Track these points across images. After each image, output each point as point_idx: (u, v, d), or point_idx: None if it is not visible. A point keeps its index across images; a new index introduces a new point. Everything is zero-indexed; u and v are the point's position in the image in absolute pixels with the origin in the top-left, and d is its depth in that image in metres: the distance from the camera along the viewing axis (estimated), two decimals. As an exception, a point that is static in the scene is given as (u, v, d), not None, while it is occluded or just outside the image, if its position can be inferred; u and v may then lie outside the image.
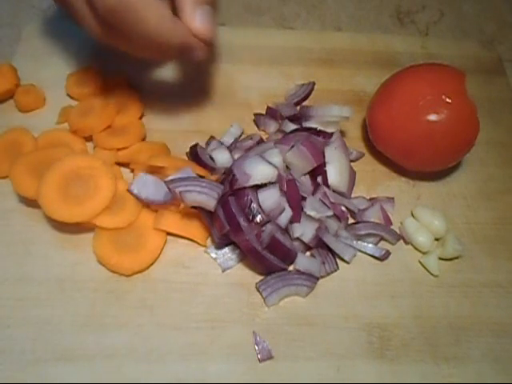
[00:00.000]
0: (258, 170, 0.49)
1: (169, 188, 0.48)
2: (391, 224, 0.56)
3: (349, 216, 0.55)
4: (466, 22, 0.82)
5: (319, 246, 0.52)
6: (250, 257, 0.49)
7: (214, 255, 0.52)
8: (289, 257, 0.50)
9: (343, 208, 0.54)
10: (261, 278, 0.50)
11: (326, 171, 0.53)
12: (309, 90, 0.66)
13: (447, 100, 0.52)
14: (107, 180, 0.51)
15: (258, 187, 0.49)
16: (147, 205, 0.52)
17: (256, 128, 0.63)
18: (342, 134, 0.63)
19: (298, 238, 0.51)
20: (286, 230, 0.51)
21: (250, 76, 0.67)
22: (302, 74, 0.68)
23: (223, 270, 0.51)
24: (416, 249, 0.54)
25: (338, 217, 0.52)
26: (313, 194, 0.53)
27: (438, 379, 0.47)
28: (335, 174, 0.53)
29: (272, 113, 0.62)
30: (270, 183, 0.50)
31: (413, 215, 0.56)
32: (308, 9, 0.81)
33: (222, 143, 0.59)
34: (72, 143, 0.56)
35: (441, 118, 0.52)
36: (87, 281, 0.49)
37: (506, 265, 0.55)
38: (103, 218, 0.49)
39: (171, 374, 0.45)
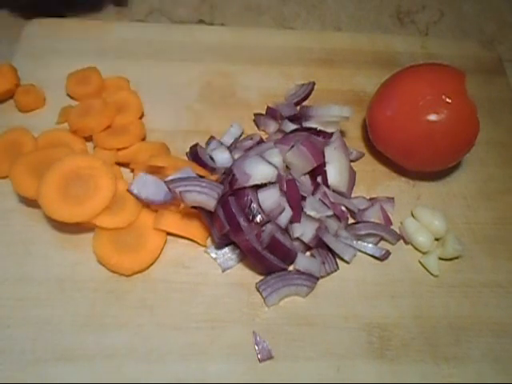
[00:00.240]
0: (258, 170, 0.49)
1: (169, 188, 0.48)
2: (391, 224, 0.56)
3: (349, 216, 0.55)
4: (465, 22, 0.82)
5: (319, 246, 0.52)
6: (250, 257, 0.49)
7: (214, 255, 0.52)
8: (289, 257, 0.50)
9: (343, 208, 0.54)
10: (261, 277, 0.50)
11: (325, 171, 0.53)
12: (309, 90, 0.66)
13: (447, 100, 0.52)
14: (107, 180, 0.51)
15: (257, 187, 0.49)
16: (147, 205, 0.52)
17: (256, 128, 0.63)
18: (342, 134, 0.63)
19: (298, 238, 0.51)
20: (286, 230, 0.51)
21: (250, 76, 0.67)
22: (301, 74, 0.68)
23: (223, 270, 0.51)
24: (416, 249, 0.54)
25: (337, 217, 0.52)
26: (313, 194, 0.53)
27: (438, 379, 0.47)
28: (335, 173, 0.53)
29: (272, 113, 0.62)
30: (270, 183, 0.50)
31: (413, 215, 0.56)
32: (308, 9, 0.81)
33: (221, 143, 0.59)
34: (72, 143, 0.56)
35: (441, 118, 0.52)
36: (87, 281, 0.49)
37: (506, 265, 0.55)
38: (103, 217, 0.49)
39: (171, 373, 0.45)
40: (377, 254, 0.53)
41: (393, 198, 0.57)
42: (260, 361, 0.46)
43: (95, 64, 0.63)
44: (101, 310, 0.48)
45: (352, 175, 0.58)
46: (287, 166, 0.54)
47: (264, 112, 0.63)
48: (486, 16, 0.83)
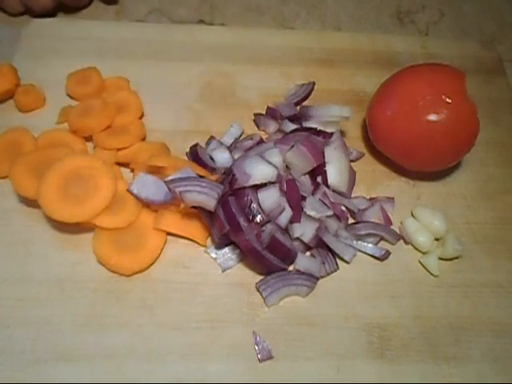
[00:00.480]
0: (258, 170, 0.49)
1: (169, 188, 0.48)
2: (391, 224, 0.56)
3: (349, 216, 0.55)
4: (465, 22, 0.82)
5: (319, 245, 0.52)
6: (250, 257, 0.49)
7: (214, 255, 0.52)
8: (289, 257, 0.50)
9: (343, 208, 0.54)
10: (261, 277, 0.50)
11: (325, 171, 0.53)
12: (309, 90, 0.66)
13: (447, 100, 0.52)
14: (107, 180, 0.51)
15: (257, 187, 0.49)
16: (147, 205, 0.52)
17: (256, 128, 0.63)
18: (342, 134, 0.63)
19: (298, 238, 0.51)
20: (286, 230, 0.51)
21: (250, 76, 0.67)
22: (301, 74, 0.68)
23: (223, 270, 0.51)
24: (416, 249, 0.54)
25: (337, 217, 0.52)
26: (313, 194, 0.53)
27: (438, 379, 0.47)
28: (335, 173, 0.53)
29: (272, 113, 0.62)
30: (270, 183, 0.50)
31: (413, 215, 0.56)
32: (308, 9, 0.81)
33: (221, 143, 0.59)
34: (72, 143, 0.56)
35: (441, 118, 0.52)
36: (87, 281, 0.49)
37: (506, 265, 0.55)
38: (103, 217, 0.49)
39: (171, 373, 0.45)
40: (377, 254, 0.53)
41: (393, 198, 0.57)
42: (260, 361, 0.46)
43: (95, 64, 0.63)
44: (101, 309, 0.48)
45: (352, 175, 0.58)
46: (287, 166, 0.54)
47: (264, 112, 0.63)
48: (485, 16, 0.83)
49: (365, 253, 0.53)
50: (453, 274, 0.53)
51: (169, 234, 0.52)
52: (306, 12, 0.80)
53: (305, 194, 0.52)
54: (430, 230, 0.54)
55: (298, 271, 0.50)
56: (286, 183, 0.50)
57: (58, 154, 0.53)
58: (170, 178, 0.49)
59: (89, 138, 0.57)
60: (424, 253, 0.54)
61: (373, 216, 0.55)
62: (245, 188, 0.49)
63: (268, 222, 0.49)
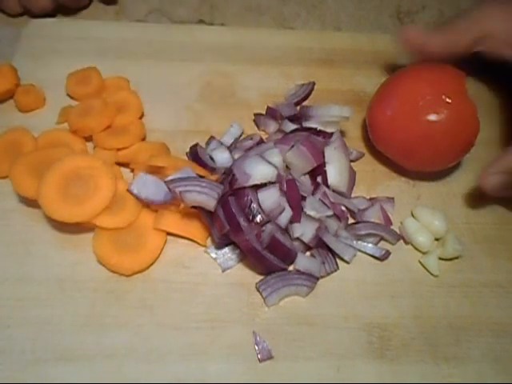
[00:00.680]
0: (258, 170, 0.49)
1: (169, 188, 0.48)
2: (391, 224, 0.55)
3: (349, 216, 0.55)
4: (465, 22, 0.81)
5: (319, 245, 0.52)
6: (250, 257, 0.49)
7: (214, 255, 0.52)
8: (289, 257, 0.50)
9: (343, 208, 0.54)
10: (261, 277, 0.50)
11: (325, 171, 0.53)
12: (309, 90, 0.66)
13: (447, 100, 0.52)
14: (107, 180, 0.51)
15: (257, 187, 0.49)
16: (147, 205, 0.52)
17: (256, 128, 0.63)
18: (342, 133, 0.63)
19: (298, 238, 0.51)
20: (286, 230, 0.51)
21: (250, 76, 0.67)
22: (301, 74, 0.68)
23: (223, 270, 0.51)
24: (416, 249, 0.54)
25: (337, 217, 0.52)
26: (313, 194, 0.53)
27: (438, 379, 0.47)
28: (335, 173, 0.53)
29: (272, 113, 0.62)
30: (270, 183, 0.50)
31: (413, 215, 0.56)
32: (308, 9, 0.81)
33: (221, 143, 0.59)
34: (72, 143, 0.56)
35: (441, 118, 0.52)
36: (87, 281, 0.49)
37: (506, 265, 0.55)
38: (103, 217, 0.49)
39: (171, 373, 0.45)
40: (377, 254, 0.53)
41: (393, 198, 0.57)
42: (260, 361, 0.46)
43: (95, 64, 0.63)
44: (101, 309, 0.48)
45: (352, 175, 0.58)
46: (287, 166, 0.54)
47: (264, 112, 0.63)
48: (485, 16, 0.83)
49: (365, 253, 0.53)
50: (453, 274, 0.53)
51: (169, 234, 0.52)
52: (306, 12, 0.80)
53: (305, 194, 0.52)
54: (430, 229, 0.54)
55: (298, 271, 0.50)
56: (286, 183, 0.50)
57: (58, 154, 0.53)
58: (170, 178, 0.49)
59: (89, 138, 0.57)
60: (424, 253, 0.54)
61: (373, 216, 0.55)
62: (245, 188, 0.49)
63: (268, 221, 0.49)
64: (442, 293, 0.52)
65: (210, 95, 0.65)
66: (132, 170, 0.55)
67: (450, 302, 0.51)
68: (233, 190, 0.49)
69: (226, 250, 0.52)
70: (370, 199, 0.57)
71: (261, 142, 0.59)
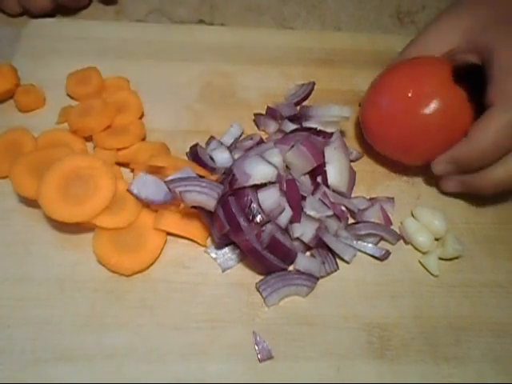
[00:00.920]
0: (258, 170, 0.49)
1: (169, 188, 0.48)
2: (391, 224, 0.55)
3: (349, 216, 0.55)
4: (465, 22, 0.81)
5: (319, 245, 0.52)
6: (250, 257, 0.49)
7: (214, 255, 0.52)
8: (289, 257, 0.50)
9: (343, 208, 0.54)
10: (261, 277, 0.50)
11: (325, 171, 0.53)
12: (309, 90, 0.66)
13: (435, 91, 0.52)
14: (107, 180, 0.51)
15: (257, 187, 0.49)
16: (147, 205, 0.52)
17: (256, 128, 0.63)
18: (342, 134, 0.63)
19: (298, 238, 0.51)
20: (286, 230, 0.51)
21: (250, 76, 0.67)
22: (301, 74, 0.68)
23: (223, 270, 0.51)
24: (416, 249, 0.54)
25: (338, 217, 0.52)
26: (313, 194, 0.53)
27: (438, 379, 0.47)
28: (335, 173, 0.53)
29: (272, 113, 0.62)
30: (270, 183, 0.50)
31: (413, 215, 0.56)
32: (308, 9, 0.81)
33: (221, 143, 0.59)
34: (72, 143, 0.56)
35: (433, 110, 0.52)
36: (87, 281, 0.49)
37: (506, 265, 0.55)
38: (103, 217, 0.49)
39: (171, 373, 0.45)
40: (377, 254, 0.53)
41: (393, 198, 0.57)
42: (260, 361, 0.46)
43: (95, 64, 0.63)
44: (101, 309, 0.48)
45: (352, 175, 0.58)
46: (287, 166, 0.54)
47: (264, 112, 0.63)
48: (485, 16, 0.82)
49: (365, 253, 0.53)
50: (453, 274, 0.53)
51: (169, 234, 0.52)
52: (306, 12, 0.80)
53: (305, 194, 0.52)
54: (430, 230, 0.54)
55: (298, 271, 0.50)
56: (286, 183, 0.50)
57: (58, 154, 0.53)
58: (170, 178, 0.49)
59: (89, 138, 0.57)
60: (424, 253, 0.54)
61: (373, 216, 0.55)
62: (245, 188, 0.49)
63: (268, 222, 0.49)
64: (442, 293, 0.52)
65: (210, 95, 0.65)
66: (132, 170, 0.55)
67: (449, 302, 0.51)
68: (233, 190, 0.49)
69: (226, 249, 0.52)
70: (370, 199, 0.57)
71: (261, 142, 0.59)
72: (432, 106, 0.52)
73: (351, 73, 0.69)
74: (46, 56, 0.66)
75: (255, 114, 0.63)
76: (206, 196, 0.48)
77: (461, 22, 0.55)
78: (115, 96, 0.60)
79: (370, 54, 0.71)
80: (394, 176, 0.60)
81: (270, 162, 0.50)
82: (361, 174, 0.59)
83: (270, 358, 0.46)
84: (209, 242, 0.53)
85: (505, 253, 0.55)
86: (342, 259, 0.53)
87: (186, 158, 0.58)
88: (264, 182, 0.49)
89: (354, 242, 0.53)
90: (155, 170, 0.52)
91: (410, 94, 0.53)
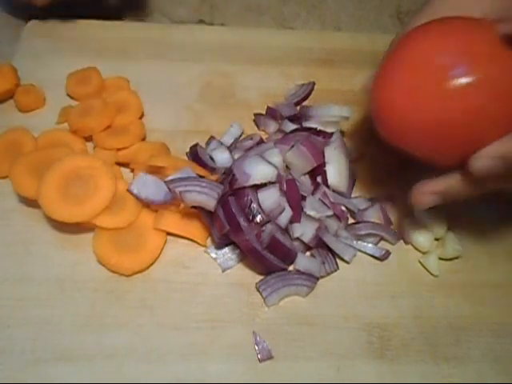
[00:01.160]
0: (258, 170, 0.49)
1: (169, 188, 0.48)
2: (391, 224, 0.55)
3: (349, 216, 0.55)
4: (465, 22, 0.82)
5: (319, 245, 0.52)
6: (250, 257, 0.49)
7: (214, 255, 0.52)
8: (289, 257, 0.50)
9: (343, 208, 0.54)
10: (261, 277, 0.50)
11: (325, 171, 0.53)
12: (309, 90, 0.66)
13: (487, 58, 0.36)
14: (107, 180, 0.51)
15: (257, 187, 0.49)
16: (147, 205, 0.52)
17: (256, 128, 0.63)
18: (342, 134, 0.63)
19: (298, 238, 0.51)
20: (286, 230, 0.51)
21: (250, 76, 0.67)
22: (301, 74, 0.68)
23: (223, 270, 0.51)
24: (416, 249, 0.54)
25: (337, 217, 0.52)
26: (313, 194, 0.53)
27: (438, 379, 0.47)
28: (335, 173, 0.53)
29: (272, 113, 0.62)
30: (270, 183, 0.50)
31: (413, 215, 0.56)
32: (308, 9, 0.81)
33: (221, 143, 0.59)
34: (72, 143, 0.56)
35: (481, 85, 0.36)
36: (87, 281, 0.49)
37: (505, 265, 0.54)
38: (103, 217, 0.49)
39: (171, 373, 0.45)
40: (377, 254, 0.53)
41: (393, 198, 0.57)
42: (260, 361, 0.46)
43: (95, 64, 0.63)
44: (101, 309, 0.48)
45: (352, 175, 0.58)
46: (287, 166, 0.55)
47: (264, 112, 0.63)
48: (485, 16, 0.83)
49: (365, 253, 0.53)
50: (453, 274, 0.53)
51: (169, 234, 0.52)
52: (306, 12, 0.80)
53: (305, 194, 0.52)
54: (429, 229, 0.54)
55: (298, 271, 0.50)
56: (286, 183, 0.50)
57: (58, 154, 0.53)
58: (170, 178, 0.49)
59: (89, 138, 0.57)
60: (424, 253, 0.54)
61: (373, 216, 0.55)
62: (245, 188, 0.49)
63: (268, 221, 0.49)
64: (442, 293, 0.52)
65: (210, 95, 0.65)
66: (132, 170, 0.56)
67: (449, 302, 0.51)
68: (233, 189, 0.49)
69: (226, 249, 0.52)
70: (370, 199, 0.57)
71: (261, 142, 0.59)
72: (480, 80, 0.36)
73: (351, 73, 0.69)
74: (45, 56, 0.66)
75: (255, 114, 0.63)
76: (206, 196, 0.48)
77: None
78: (115, 96, 0.60)
79: (370, 54, 0.71)
80: (394, 176, 0.60)
81: (269, 162, 0.50)
82: (361, 173, 0.59)
83: (270, 358, 0.46)
84: (209, 242, 0.53)
85: (505, 253, 0.55)
86: (342, 259, 0.53)
87: (186, 157, 0.58)
88: (264, 182, 0.49)
89: (354, 242, 0.53)
90: (155, 170, 0.52)
91: (437, 60, 0.37)
